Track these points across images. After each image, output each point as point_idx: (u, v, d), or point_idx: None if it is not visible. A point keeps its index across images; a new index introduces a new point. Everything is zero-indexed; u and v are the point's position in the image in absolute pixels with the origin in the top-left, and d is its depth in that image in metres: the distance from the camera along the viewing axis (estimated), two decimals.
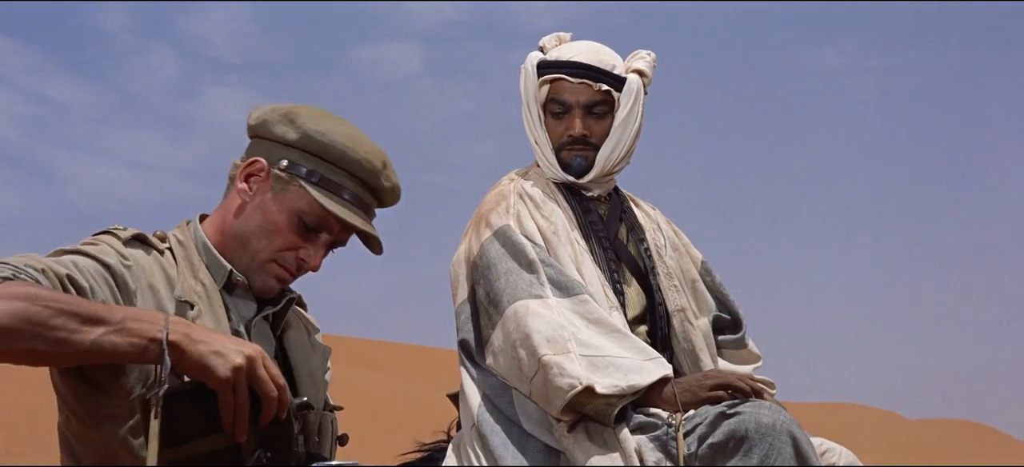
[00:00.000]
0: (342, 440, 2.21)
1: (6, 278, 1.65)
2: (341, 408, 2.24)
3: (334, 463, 1.76)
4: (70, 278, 1.75)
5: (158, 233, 2.00)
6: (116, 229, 1.93)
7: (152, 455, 1.56)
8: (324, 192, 2.02)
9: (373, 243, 2.10)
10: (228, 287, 2.00)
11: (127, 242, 1.91)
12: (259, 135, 2.06)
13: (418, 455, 2.69)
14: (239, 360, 1.64)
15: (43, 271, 1.72)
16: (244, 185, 2.02)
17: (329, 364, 2.23)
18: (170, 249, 1.98)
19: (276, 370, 1.70)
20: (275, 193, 2.01)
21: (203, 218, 2.08)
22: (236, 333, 1.96)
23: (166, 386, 1.61)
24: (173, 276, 1.93)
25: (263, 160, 2.02)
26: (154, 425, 1.57)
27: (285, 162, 2.01)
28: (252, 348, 1.68)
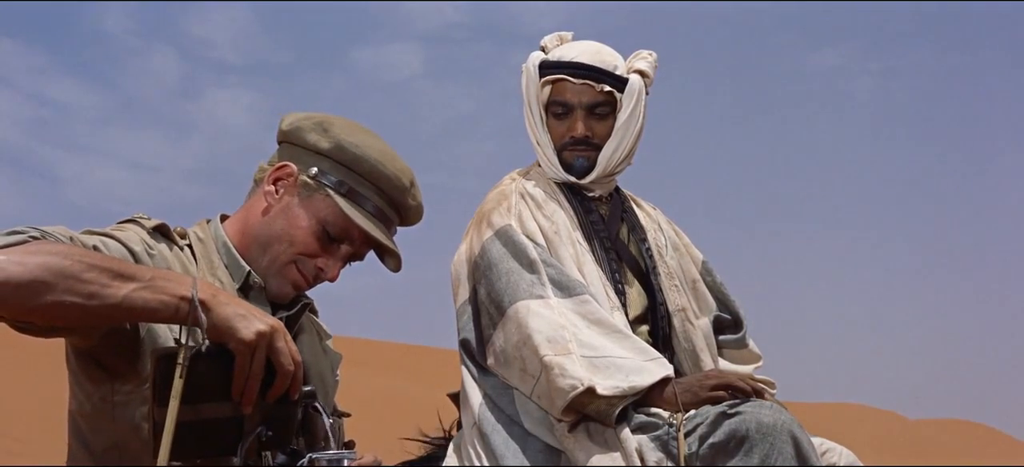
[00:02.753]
0: (349, 446, 2.22)
1: (35, 237, 1.65)
2: (349, 414, 2.25)
3: (330, 453, 1.75)
4: (97, 250, 1.75)
5: (178, 229, 2.01)
6: (141, 218, 1.94)
7: (172, 414, 1.56)
8: (350, 203, 2.03)
9: (392, 259, 2.11)
10: (244, 289, 2.00)
11: (151, 232, 1.92)
12: (290, 141, 2.07)
13: (419, 454, 2.69)
14: (263, 327, 1.65)
15: (71, 238, 1.72)
16: (271, 188, 2.03)
17: (338, 371, 2.24)
18: (190, 246, 1.99)
19: (295, 347, 1.71)
20: (301, 199, 2.02)
21: (223, 218, 2.09)
22: None
23: (199, 346, 1.61)
24: (192, 273, 1.93)
25: (293, 165, 2.03)
26: (178, 384, 1.57)
27: (315, 170, 2.02)
28: (276, 320, 1.69)
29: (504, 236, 2.49)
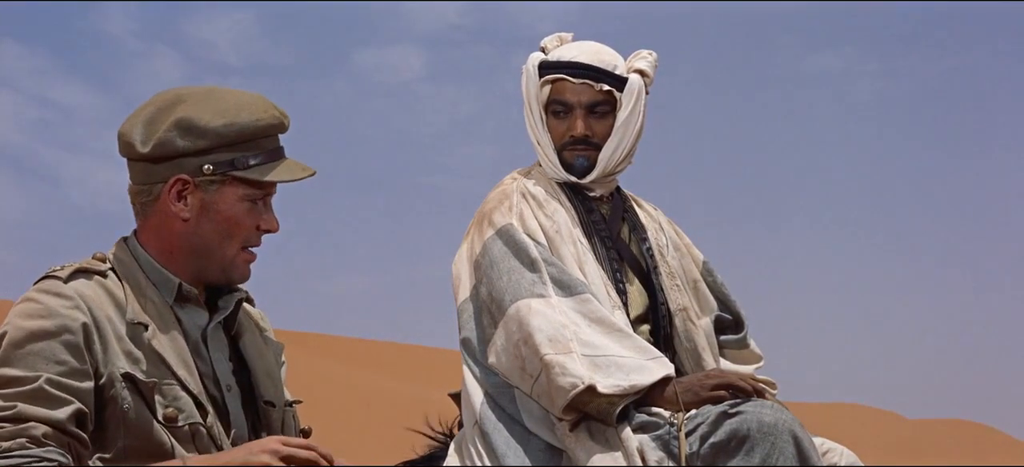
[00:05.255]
0: (306, 434, 2.23)
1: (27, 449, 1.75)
2: (300, 402, 2.27)
3: None
4: (74, 417, 1.81)
5: (98, 255, 2.01)
6: (55, 272, 1.94)
7: None
8: (256, 169, 2.04)
9: (308, 177, 2.14)
10: (180, 299, 2.02)
11: (68, 279, 1.92)
12: (161, 158, 2.00)
13: (421, 454, 2.69)
14: (261, 460, 1.80)
15: (45, 437, 1.77)
16: (180, 205, 2.01)
17: (283, 358, 2.25)
18: (112, 269, 1.99)
19: (297, 441, 1.85)
20: (213, 195, 2.02)
21: (137, 234, 2.07)
22: (194, 345, 2.00)
23: None
24: (120, 299, 1.95)
25: (185, 175, 2.01)
26: None
27: (209, 166, 2.01)
28: (265, 444, 1.83)
29: (505, 235, 2.50)
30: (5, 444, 1.75)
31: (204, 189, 2.01)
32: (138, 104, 2.07)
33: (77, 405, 1.81)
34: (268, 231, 2.08)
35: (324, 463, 1.84)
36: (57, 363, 1.82)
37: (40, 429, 1.77)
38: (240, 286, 2.13)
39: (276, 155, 2.07)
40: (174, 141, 1.99)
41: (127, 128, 2.01)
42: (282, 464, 1.81)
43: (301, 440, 1.86)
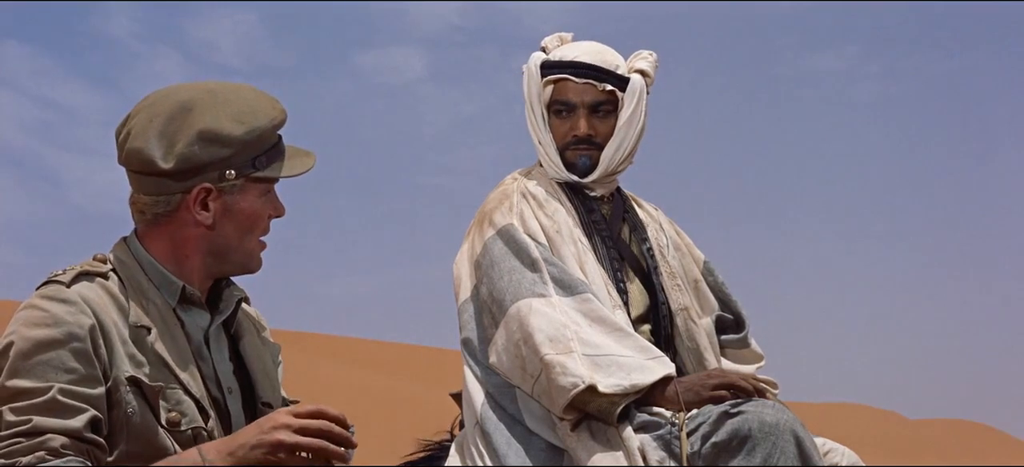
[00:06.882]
0: None
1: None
2: (297, 402, 2.26)
3: None
4: (89, 424, 1.79)
5: (98, 256, 2.00)
6: (57, 276, 1.92)
7: None
8: (273, 167, 2.04)
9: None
10: (182, 302, 2.00)
11: (71, 283, 1.90)
12: (186, 170, 1.97)
13: (422, 454, 2.69)
14: (275, 437, 1.79)
15: (63, 448, 1.75)
16: (204, 213, 1.99)
17: (280, 359, 2.26)
18: (114, 270, 1.97)
19: (305, 408, 1.83)
20: (234, 197, 2.01)
21: (139, 236, 2.04)
22: (196, 347, 1.99)
23: None
24: (122, 301, 1.93)
25: (209, 184, 1.99)
26: None
27: (231, 173, 1.99)
28: (276, 419, 1.82)
29: (506, 235, 2.50)
30: (25, 460, 1.73)
31: (225, 195, 2.00)
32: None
33: (91, 412, 1.79)
34: (278, 216, 2.08)
35: (338, 430, 1.82)
36: (67, 371, 1.80)
37: (58, 440, 1.75)
38: (238, 286, 2.13)
39: (281, 146, 2.08)
40: (198, 155, 1.96)
41: (140, 143, 1.96)
42: (297, 437, 1.79)
43: (310, 407, 1.83)
